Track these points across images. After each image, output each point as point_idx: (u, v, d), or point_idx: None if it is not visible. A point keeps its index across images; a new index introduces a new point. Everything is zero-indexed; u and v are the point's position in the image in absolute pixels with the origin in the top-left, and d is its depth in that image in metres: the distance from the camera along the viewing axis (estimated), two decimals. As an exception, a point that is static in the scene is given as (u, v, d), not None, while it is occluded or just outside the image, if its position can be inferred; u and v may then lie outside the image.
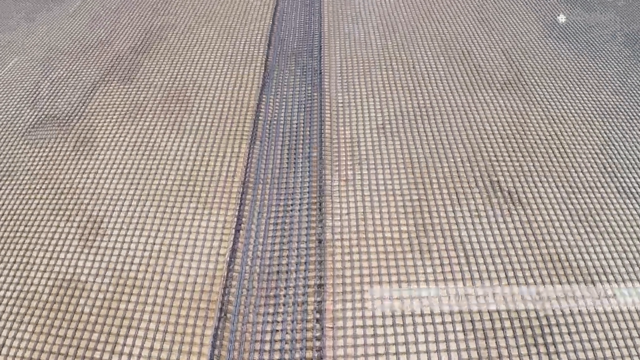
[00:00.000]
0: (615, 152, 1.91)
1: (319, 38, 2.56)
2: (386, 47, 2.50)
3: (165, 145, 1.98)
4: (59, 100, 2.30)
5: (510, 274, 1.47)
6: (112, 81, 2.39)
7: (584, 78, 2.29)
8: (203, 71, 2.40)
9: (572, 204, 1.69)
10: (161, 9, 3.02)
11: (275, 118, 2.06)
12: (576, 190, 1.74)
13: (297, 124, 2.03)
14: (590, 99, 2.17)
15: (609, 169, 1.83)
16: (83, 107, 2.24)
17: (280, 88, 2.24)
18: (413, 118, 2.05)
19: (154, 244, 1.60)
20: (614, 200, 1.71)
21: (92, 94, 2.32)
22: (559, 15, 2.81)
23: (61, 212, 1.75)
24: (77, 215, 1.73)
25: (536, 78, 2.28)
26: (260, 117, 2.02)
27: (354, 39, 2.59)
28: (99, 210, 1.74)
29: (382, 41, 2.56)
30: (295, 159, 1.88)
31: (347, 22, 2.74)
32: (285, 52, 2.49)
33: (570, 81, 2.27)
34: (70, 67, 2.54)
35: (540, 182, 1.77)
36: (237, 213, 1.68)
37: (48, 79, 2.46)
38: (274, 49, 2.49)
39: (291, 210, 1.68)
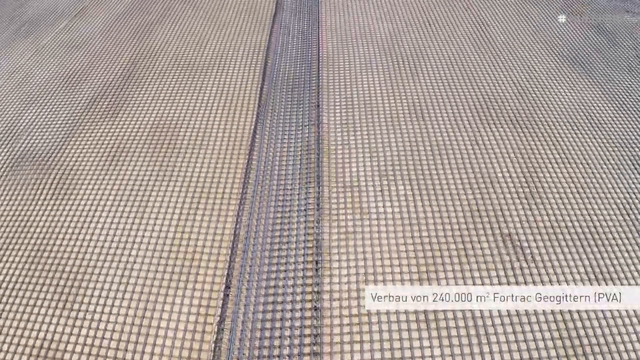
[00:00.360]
0: None
1: (317, 68, 2.40)
2: (388, 79, 2.35)
3: (149, 199, 1.83)
4: (36, 139, 2.16)
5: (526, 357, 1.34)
6: (95, 116, 2.24)
7: (604, 116, 2.15)
8: (192, 107, 2.25)
9: (590, 265, 1.56)
10: (148, 36, 2.86)
11: (270, 163, 1.91)
12: (596, 250, 1.60)
13: (292, 168, 1.89)
14: (613, 140, 2.02)
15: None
16: (63, 146, 2.10)
17: (275, 125, 2.10)
18: (417, 160, 1.90)
19: (135, 315, 1.47)
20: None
21: (72, 133, 2.17)
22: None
23: (37, 273, 1.61)
24: (54, 277, 1.60)
25: (550, 114, 2.13)
26: (253, 163, 1.88)
27: (353, 68, 2.43)
28: (78, 270, 1.60)
29: (383, 71, 2.40)
30: (290, 208, 1.74)
31: (346, 51, 2.59)
32: (281, 82, 2.33)
33: (586, 117, 2.12)
34: (48, 101, 2.39)
35: (557, 239, 1.63)
36: (225, 273, 1.55)
37: (24, 115, 2.32)
38: (269, 79, 2.34)
39: (285, 271, 1.55)
